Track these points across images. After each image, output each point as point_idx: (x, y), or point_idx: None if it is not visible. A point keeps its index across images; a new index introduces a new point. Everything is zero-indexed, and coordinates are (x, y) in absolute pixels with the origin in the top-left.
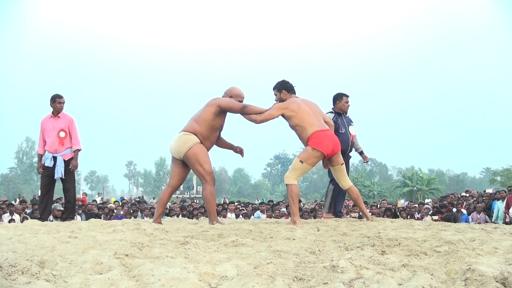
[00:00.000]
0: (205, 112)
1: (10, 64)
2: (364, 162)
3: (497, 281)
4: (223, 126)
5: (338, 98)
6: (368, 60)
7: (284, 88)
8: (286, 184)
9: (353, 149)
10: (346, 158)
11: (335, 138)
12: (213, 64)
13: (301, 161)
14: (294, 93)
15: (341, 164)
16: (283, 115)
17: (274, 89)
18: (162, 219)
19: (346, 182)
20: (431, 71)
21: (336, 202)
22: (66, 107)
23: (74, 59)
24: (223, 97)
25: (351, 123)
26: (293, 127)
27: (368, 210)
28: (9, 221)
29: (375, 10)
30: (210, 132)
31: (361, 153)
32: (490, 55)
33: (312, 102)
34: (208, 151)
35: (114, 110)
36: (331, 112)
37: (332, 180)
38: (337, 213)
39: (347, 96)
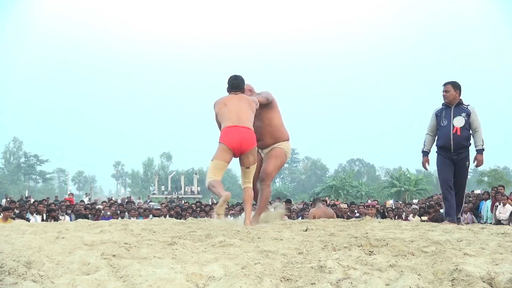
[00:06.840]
0: None
1: None
2: (475, 166)
3: (484, 281)
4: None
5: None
6: (360, 60)
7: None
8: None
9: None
10: (456, 156)
11: (247, 135)
12: (205, 65)
13: (212, 159)
14: (230, 91)
15: (246, 168)
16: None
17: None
18: (149, 219)
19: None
20: (418, 72)
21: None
22: (53, 107)
23: (60, 59)
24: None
25: (461, 114)
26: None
27: (356, 210)
28: None
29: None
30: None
31: (477, 151)
32: (483, 54)
33: (246, 98)
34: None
35: (101, 110)
36: (443, 104)
37: (441, 186)
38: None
39: (444, 85)
